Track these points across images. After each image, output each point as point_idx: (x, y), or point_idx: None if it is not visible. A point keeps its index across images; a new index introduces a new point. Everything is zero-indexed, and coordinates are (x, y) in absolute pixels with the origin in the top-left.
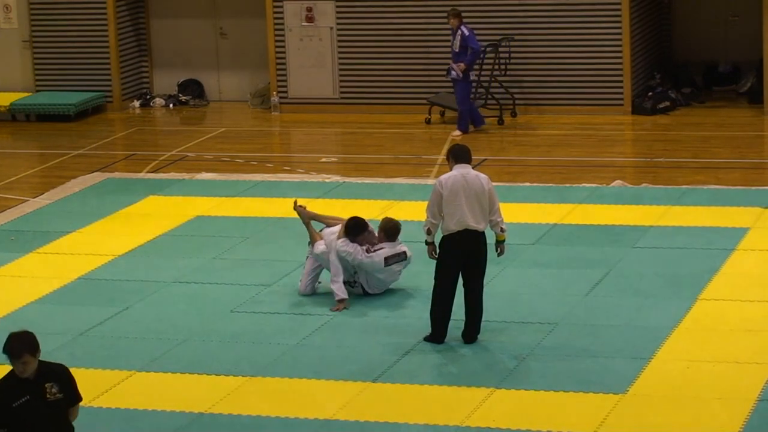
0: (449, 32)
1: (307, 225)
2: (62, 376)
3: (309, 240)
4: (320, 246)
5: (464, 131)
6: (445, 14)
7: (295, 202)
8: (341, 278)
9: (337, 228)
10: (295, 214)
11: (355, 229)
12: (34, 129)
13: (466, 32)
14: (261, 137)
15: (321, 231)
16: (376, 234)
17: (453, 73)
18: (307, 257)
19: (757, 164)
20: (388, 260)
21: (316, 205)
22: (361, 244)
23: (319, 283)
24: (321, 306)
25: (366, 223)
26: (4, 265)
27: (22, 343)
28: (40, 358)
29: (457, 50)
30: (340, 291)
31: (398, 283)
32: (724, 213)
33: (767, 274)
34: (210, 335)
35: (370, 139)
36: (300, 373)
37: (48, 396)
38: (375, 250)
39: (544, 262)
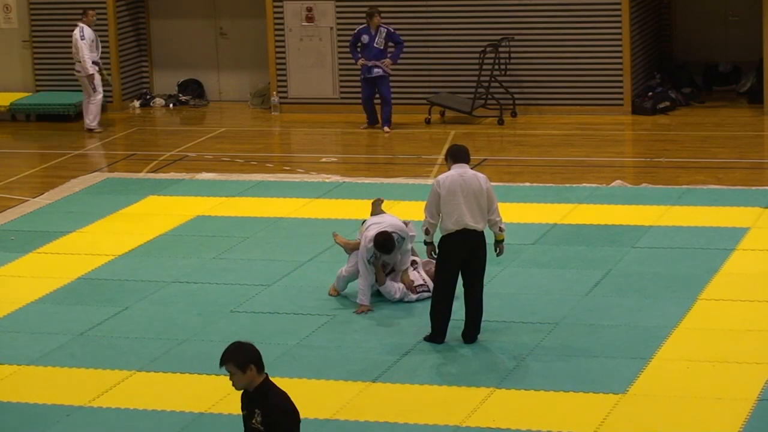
0: (449, 32)
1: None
2: (269, 410)
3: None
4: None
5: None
6: (445, 15)
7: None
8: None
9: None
10: (296, 215)
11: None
12: (34, 129)
13: (391, 29)
14: (261, 137)
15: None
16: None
17: (379, 70)
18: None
19: (757, 164)
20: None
21: (316, 205)
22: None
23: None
24: (321, 306)
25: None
26: (4, 265)
27: (229, 352)
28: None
29: (382, 48)
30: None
31: None
32: (724, 213)
33: (767, 274)
34: (210, 335)
35: (370, 139)
36: (300, 373)
37: (253, 422)
38: (419, 291)
39: (544, 262)
